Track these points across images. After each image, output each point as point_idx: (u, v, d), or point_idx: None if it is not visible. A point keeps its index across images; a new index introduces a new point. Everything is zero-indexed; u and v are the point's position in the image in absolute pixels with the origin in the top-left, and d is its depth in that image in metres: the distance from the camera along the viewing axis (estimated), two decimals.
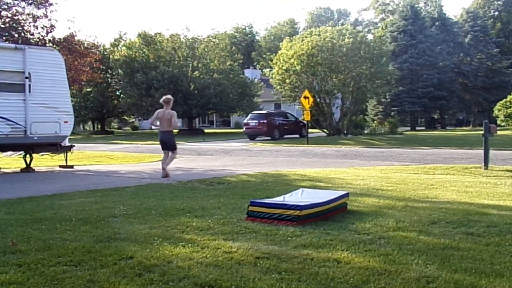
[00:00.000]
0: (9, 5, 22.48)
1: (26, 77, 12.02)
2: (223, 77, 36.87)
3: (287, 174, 10.88)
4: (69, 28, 74.94)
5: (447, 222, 5.37)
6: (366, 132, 32.12)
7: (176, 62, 37.73)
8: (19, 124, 11.99)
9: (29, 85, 12.06)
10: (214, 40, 41.07)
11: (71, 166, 13.80)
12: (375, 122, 42.75)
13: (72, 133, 15.20)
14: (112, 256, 4.06)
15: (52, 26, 23.08)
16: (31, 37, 22.57)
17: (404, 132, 33.93)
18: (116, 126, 61.79)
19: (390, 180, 9.58)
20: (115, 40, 45.95)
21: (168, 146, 10.48)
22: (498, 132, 15.88)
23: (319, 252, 4.20)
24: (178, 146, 11.29)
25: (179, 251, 4.22)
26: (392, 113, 43.75)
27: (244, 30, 73.93)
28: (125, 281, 3.52)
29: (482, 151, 12.46)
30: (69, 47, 23.33)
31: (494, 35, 51.39)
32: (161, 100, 10.45)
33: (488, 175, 11.21)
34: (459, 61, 48.09)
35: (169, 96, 10.55)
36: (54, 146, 13.01)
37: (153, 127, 11.67)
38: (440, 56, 45.26)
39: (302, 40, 28.38)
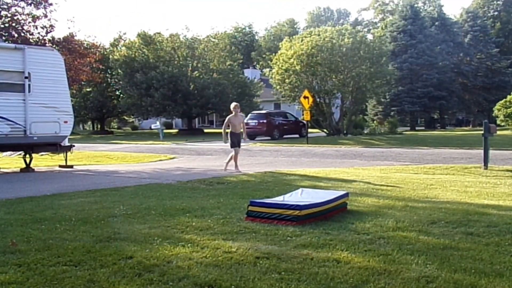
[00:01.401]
0: (9, 5, 22.47)
1: (26, 77, 12.02)
2: (222, 77, 36.86)
3: (287, 174, 10.87)
4: (69, 28, 74.96)
5: (447, 222, 5.37)
6: (365, 132, 32.12)
7: (175, 62, 37.72)
8: (19, 124, 11.99)
9: (29, 85, 12.06)
10: (213, 40, 41.03)
11: (71, 166, 13.79)
12: (374, 122, 42.74)
13: (72, 133, 15.19)
14: (112, 256, 4.06)
15: (51, 26, 23.05)
16: (31, 37, 22.54)
17: (404, 132, 33.94)
18: (116, 126, 61.75)
19: (390, 180, 9.59)
20: (114, 40, 45.93)
21: (239, 144, 12.46)
22: (498, 132, 15.89)
23: (318, 252, 4.20)
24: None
25: (179, 251, 4.22)
26: (392, 113, 43.75)
27: (244, 30, 73.87)
28: (125, 281, 3.52)
29: (482, 151, 12.47)
30: (68, 47, 23.31)
31: (494, 35, 51.38)
32: (232, 108, 12.08)
33: (487, 175, 11.21)
34: (458, 61, 48.09)
35: (237, 104, 12.42)
36: (53, 146, 13.01)
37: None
38: (440, 56, 45.25)
39: (301, 40, 28.37)
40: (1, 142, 11.90)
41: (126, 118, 53.61)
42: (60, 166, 13.90)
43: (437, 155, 16.59)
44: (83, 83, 33.28)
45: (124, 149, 23.05)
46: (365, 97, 31.14)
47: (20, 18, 22.51)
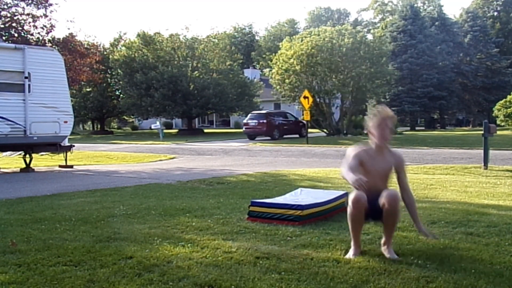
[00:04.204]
0: (9, 5, 22.47)
1: (26, 77, 12.03)
2: (222, 77, 36.86)
3: (287, 174, 10.87)
4: (69, 29, 74.90)
5: (447, 222, 5.36)
6: (365, 132, 32.05)
7: (175, 62, 37.71)
8: (19, 124, 11.99)
9: (29, 85, 12.07)
10: (213, 40, 41.03)
11: (71, 166, 13.80)
12: None
13: (72, 133, 15.20)
14: (112, 256, 4.06)
15: (52, 26, 23.08)
16: (31, 37, 22.56)
17: (404, 132, 33.94)
18: (115, 126, 61.75)
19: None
20: (114, 40, 45.92)
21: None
22: (498, 132, 15.87)
23: (318, 252, 4.20)
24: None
25: (179, 251, 4.21)
26: None
27: (244, 30, 73.89)
28: (125, 281, 3.51)
29: (482, 151, 12.47)
30: (69, 47, 23.31)
31: (494, 35, 51.40)
32: (371, 125, 4.81)
33: (487, 175, 11.21)
34: (458, 61, 48.09)
35: (387, 114, 4.63)
36: (53, 146, 13.02)
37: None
38: (440, 56, 45.25)
39: (301, 40, 28.39)
40: (1, 142, 11.91)
41: (126, 118, 53.60)
42: (60, 166, 13.91)
43: (437, 155, 16.59)
44: (83, 83, 33.28)
45: (124, 149, 23.05)
46: (365, 97, 31.15)
47: (20, 18, 22.51)
